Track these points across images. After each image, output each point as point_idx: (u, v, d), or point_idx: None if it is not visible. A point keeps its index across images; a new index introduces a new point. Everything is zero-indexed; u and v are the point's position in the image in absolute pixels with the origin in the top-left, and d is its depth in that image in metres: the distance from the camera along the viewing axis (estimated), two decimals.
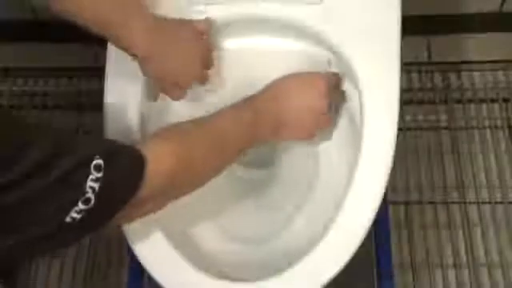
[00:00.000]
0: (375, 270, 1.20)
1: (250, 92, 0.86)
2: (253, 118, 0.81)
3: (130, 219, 0.74)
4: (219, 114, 0.80)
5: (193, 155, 0.73)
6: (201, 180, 0.77)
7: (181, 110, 0.93)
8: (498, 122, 1.42)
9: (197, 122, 0.78)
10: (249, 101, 0.83)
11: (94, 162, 0.60)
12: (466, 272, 1.27)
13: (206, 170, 0.77)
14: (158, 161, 0.69)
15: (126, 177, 0.65)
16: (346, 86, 0.89)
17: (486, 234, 1.30)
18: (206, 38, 0.87)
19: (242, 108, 0.81)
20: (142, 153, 0.67)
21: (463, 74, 1.47)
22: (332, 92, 0.86)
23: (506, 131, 1.41)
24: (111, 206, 0.65)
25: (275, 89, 0.85)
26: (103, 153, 0.62)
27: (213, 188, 0.92)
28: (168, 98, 0.89)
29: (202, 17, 0.88)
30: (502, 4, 1.40)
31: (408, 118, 1.42)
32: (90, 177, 0.60)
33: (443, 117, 1.42)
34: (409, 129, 1.41)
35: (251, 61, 0.94)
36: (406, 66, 1.43)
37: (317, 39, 0.89)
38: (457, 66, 1.47)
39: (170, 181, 0.70)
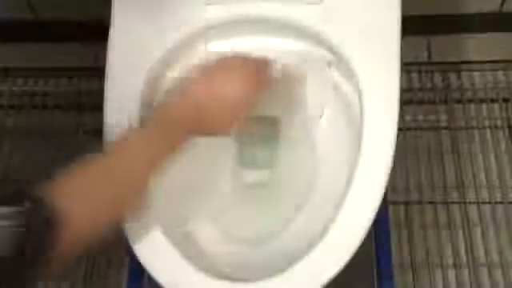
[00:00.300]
0: (375, 270, 1.20)
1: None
2: (160, 134, 0.75)
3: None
4: (125, 150, 0.74)
5: (98, 212, 0.69)
6: (111, 220, 0.72)
7: None
8: (498, 122, 1.42)
9: (100, 171, 0.72)
10: (154, 118, 0.78)
11: None
12: (465, 272, 1.27)
13: (118, 212, 0.73)
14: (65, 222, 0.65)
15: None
16: (346, 85, 0.89)
17: (486, 233, 1.30)
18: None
19: (146, 132, 0.76)
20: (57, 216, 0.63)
21: (463, 73, 1.47)
22: (253, 75, 0.79)
23: (506, 131, 1.41)
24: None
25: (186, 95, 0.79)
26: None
27: (213, 188, 0.92)
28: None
29: (202, 16, 0.88)
30: (502, 4, 1.40)
31: (408, 117, 1.42)
32: None
33: (443, 117, 1.42)
34: (409, 129, 1.41)
35: None
36: (406, 66, 1.43)
37: (317, 39, 0.89)
38: (457, 66, 1.47)
39: (79, 237, 0.66)
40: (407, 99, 1.43)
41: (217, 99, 0.77)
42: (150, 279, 0.78)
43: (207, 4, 0.89)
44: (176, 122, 0.76)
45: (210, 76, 0.78)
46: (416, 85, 1.46)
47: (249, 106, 0.80)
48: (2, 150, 1.45)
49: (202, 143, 0.94)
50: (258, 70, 0.81)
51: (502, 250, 1.29)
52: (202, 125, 0.78)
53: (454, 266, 1.28)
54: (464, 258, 1.29)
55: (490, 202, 1.33)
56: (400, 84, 0.83)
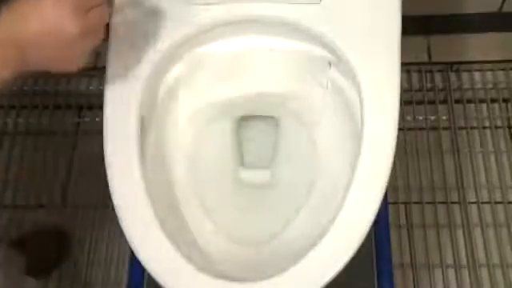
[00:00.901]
0: (375, 270, 1.20)
1: (250, 92, 0.86)
2: None
3: None
4: None
5: None
6: None
7: (182, 109, 0.93)
8: (498, 122, 1.42)
9: None
10: None
11: None
12: (465, 272, 1.27)
13: None
14: None
15: None
16: (346, 85, 0.89)
17: (485, 234, 1.30)
18: None
19: None
20: None
21: (463, 74, 1.47)
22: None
23: (506, 131, 1.41)
24: None
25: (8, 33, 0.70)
26: None
27: (213, 188, 0.92)
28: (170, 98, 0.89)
29: (202, 16, 0.88)
30: (502, 4, 1.40)
31: (408, 118, 1.42)
32: None
33: (443, 117, 1.43)
34: (409, 129, 1.41)
35: (251, 61, 0.94)
36: (406, 66, 1.43)
37: (316, 39, 0.89)
38: (457, 66, 1.47)
39: None
40: (407, 99, 1.43)
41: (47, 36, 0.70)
42: (150, 279, 0.78)
43: (207, 4, 0.89)
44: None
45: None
46: (416, 85, 1.46)
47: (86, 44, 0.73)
48: (2, 149, 1.45)
49: (202, 143, 0.94)
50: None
51: (501, 250, 1.29)
52: (37, 61, 0.72)
53: (454, 266, 1.28)
54: (464, 258, 1.29)
55: (489, 202, 1.33)
56: (400, 84, 0.83)
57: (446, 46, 1.47)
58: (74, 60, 0.75)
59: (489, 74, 1.46)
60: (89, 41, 0.74)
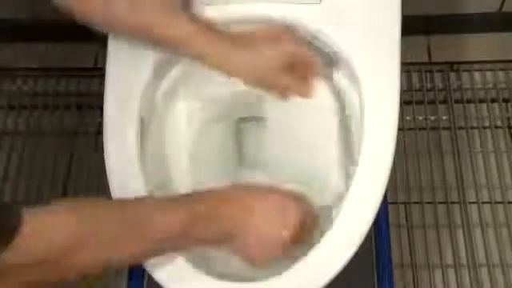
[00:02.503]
0: (375, 270, 1.20)
1: (250, 92, 0.85)
2: (191, 216, 0.70)
3: None
4: (147, 200, 0.74)
5: (93, 238, 0.64)
6: (98, 269, 0.67)
7: (180, 110, 0.93)
8: (498, 122, 1.42)
9: (120, 205, 0.70)
10: (201, 196, 0.73)
11: None
12: (465, 272, 1.27)
13: (110, 260, 0.67)
14: (46, 228, 0.61)
15: None
16: (346, 85, 0.89)
17: (485, 233, 1.30)
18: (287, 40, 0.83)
19: (181, 201, 0.72)
20: (21, 213, 0.59)
21: (463, 74, 1.47)
22: (300, 228, 0.74)
23: (506, 131, 1.41)
24: None
25: (246, 198, 0.75)
26: None
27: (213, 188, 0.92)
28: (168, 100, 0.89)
29: (202, 16, 0.88)
30: (502, 4, 1.40)
31: (408, 117, 1.42)
32: None
33: (443, 117, 1.43)
34: (409, 129, 1.41)
35: None
36: (406, 66, 1.43)
37: (316, 39, 0.89)
38: (457, 66, 1.47)
39: (54, 256, 0.61)
40: (407, 99, 1.43)
41: (258, 236, 0.74)
42: (151, 279, 0.78)
43: (207, 4, 0.89)
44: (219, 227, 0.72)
45: (264, 210, 0.74)
46: (416, 85, 1.46)
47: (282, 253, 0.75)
48: (2, 150, 1.45)
49: (202, 143, 0.94)
50: (310, 223, 0.77)
51: (502, 250, 1.29)
52: (234, 244, 0.74)
53: (454, 265, 1.28)
54: (464, 258, 1.29)
55: (490, 202, 1.33)
56: (400, 84, 0.83)
57: (446, 46, 1.47)
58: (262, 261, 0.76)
59: (489, 74, 1.46)
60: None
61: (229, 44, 0.81)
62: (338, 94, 0.88)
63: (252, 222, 0.73)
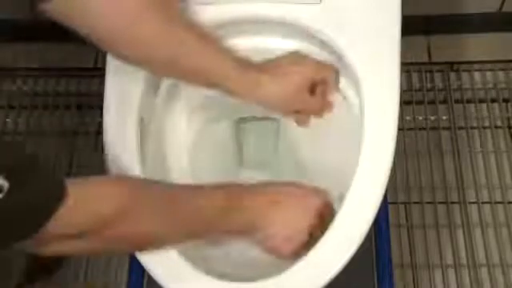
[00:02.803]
0: (375, 270, 1.20)
1: None
2: (227, 207, 0.72)
3: (39, 250, 0.62)
4: (193, 187, 0.76)
5: (140, 211, 0.65)
6: (138, 244, 0.69)
7: (180, 110, 0.93)
8: (498, 122, 1.42)
9: (164, 184, 0.73)
10: (239, 189, 0.76)
11: None
12: (465, 272, 1.27)
13: (150, 235, 0.68)
14: (92, 199, 0.61)
15: (32, 208, 0.56)
16: (346, 85, 0.89)
17: (485, 233, 1.30)
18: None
19: (222, 191, 0.74)
20: (64, 184, 0.58)
21: (463, 74, 1.47)
22: (321, 220, 0.78)
23: (506, 131, 1.41)
24: (5, 236, 0.57)
25: (271, 192, 0.78)
26: (11, 171, 0.53)
27: None
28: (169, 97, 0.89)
29: (202, 16, 0.88)
30: (501, 4, 1.40)
31: (408, 117, 1.42)
32: None
33: (443, 117, 1.43)
34: (409, 129, 1.41)
35: None
36: (406, 66, 1.43)
37: (316, 39, 0.89)
38: (457, 66, 1.47)
39: (97, 227, 0.62)
40: (407, 99, 1.43)
41: (284, 228, 0.77)
42: (151, 279, 0.78)
43: (207, 4, 0.89)
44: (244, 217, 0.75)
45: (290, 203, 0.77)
46: (416, 85, 1.46)
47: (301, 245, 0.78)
48: None
49: (202, 144, 0.94)
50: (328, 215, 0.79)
51: (502, 249, 1.29)
52: (256, 235, 0.77)
53: (454, 265, 1.28)
54: (464, 258, 1.29)
55: (490, 202, 1.33)
56: (400, 84, 0.83)
57: (446, 46, 1.47)
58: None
59: (489, 74, 1.46)
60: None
61: (255, 72, 0.80)
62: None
63: (277, 215, 0.75)
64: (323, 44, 0.88)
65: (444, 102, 1.44)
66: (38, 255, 0.63)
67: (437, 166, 1.37)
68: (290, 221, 0.76)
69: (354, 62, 0.85)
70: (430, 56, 1.48)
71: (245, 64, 0.80)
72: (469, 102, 1.44)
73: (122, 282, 1.29)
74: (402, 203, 1.34)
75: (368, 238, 0.78)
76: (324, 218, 0.77)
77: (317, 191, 0.79)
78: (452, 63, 1.47)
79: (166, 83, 0.91)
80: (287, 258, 0.77)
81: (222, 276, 0.77)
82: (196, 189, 0.74)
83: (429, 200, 1.34)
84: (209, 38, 0.78)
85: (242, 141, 0.98)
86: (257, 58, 0.94)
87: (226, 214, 0.72)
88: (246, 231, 0.76)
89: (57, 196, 0.58)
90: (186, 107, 0.93)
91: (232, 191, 0.74)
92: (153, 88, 0.89)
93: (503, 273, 1.26)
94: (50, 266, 1.31)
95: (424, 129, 1.42)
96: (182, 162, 0.91)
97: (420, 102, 1.44)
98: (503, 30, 1.46)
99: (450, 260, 1.29)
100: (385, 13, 0.87)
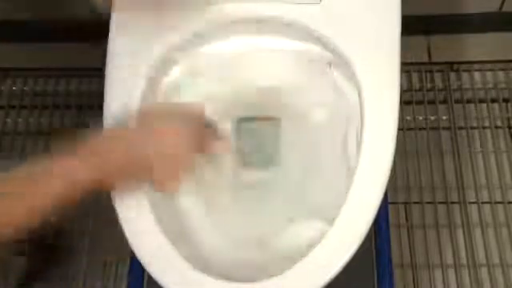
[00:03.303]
0: (375, 270, 1.20)
1: (250, 92, 0.86)
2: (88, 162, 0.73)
3: None
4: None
5: None
6: None
7: None
8: (498, 122, 1.42)
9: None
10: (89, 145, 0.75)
11: None
12: (465, 272, 1.27)
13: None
14: None
15: None
16: (346, 85, 0.89)
17: (485, 233, 1.30)
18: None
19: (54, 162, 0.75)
20: None
21: (463, 74, 1.47)
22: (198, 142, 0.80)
23: (506, 131, 1.41)
24: None
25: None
26: None
27: (213, 188, 0.92)
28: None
29: (202, 16, 0.88)
30: (501, 4, 1.40)
31: (408, 117, 1.42)
32: None
33: (443, 117, 1.43)
34: (409, 129, 1.41)
35: (251, 61, 0.94)
36: (406, 66, 1.43)
37: (316, 39, 0.89)
38: (457, 66, 1.47)
39: None
40: (407, 99, 1.43)
41: (155, 148, 0.77)
42: (151, 279, 0.78)
43: (207, 4, 0.89)
44: (107, 158, 0.76)
45: (149, 126, 0.78)
46: (416, 85, 1.46)
47: (187, 164, 0.80)
48: (2, 150, 1.45)
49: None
50: (199, 128, 0.81)
51: (502, 249, 1.29)
52: (138, 171, 0.78)
53: (454, 265, 1.28)
54: (464, 258, 1.29)
55: (490, 202, 1.33)
56: (400, 84, 0.83)
57: (446, 46, 1.47)
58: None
59: (489, 74, 1.46)
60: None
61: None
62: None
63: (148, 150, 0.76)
64: (323, 44, 0.88)
65: (444, 101, 1.44)
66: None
67: (437, 166, 1.37)
68: (160, 150, 0.77)
69: (353, 62, 0.85)
70: (430, 56, 1.48)
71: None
72: (469, 101, 1.44)
73: (122, 283, 1.29)
74: (402, 203, 1.34)
75: (368, 238, 0.78)
76: (204, 137, 0.80)
77: (183, 119, 0.79)
78: (452, 63, 1.47)
79: (166, 83, 0.91)
80: (171, 188, 0.80)
81: (222, 276, 0.77)
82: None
83: (429, 200, 1.34)
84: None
85: (241, 141, 0.98)
86: (257, 58, 0.94)
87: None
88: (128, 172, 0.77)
89: None
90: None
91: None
92: (153, 88, 0.89)
93: (503, 273, 1.27)
94: (49, 264, 1.32)
95: (424, 129, 1.42)
96: None
97: (420, 102, 1.44)
98: (503, 30, 1.46)
99: (450, 260, 1.29)
100: (385, 13, 0.87)
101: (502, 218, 1.32)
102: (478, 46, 1.47)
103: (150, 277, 0.78)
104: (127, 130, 0.79)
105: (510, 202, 1.34)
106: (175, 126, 0.79)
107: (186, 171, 0.80)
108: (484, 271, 1.27)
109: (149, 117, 0.80)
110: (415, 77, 1.47)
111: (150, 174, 0.78)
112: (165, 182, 0.79)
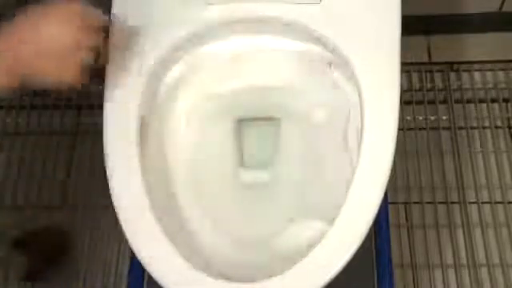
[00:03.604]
0: (375, 270, 1.20)
1: (250, 92, 0.86)
2: None
3: None
4: None
5: None
6: None
7: (182, 109, 0.93)
8: (498, 122, 1.42)
9: None
10: None
11: None
12: (465, 272, 1.27)
13: None
14: None
15: None
16: (346, 85, 0.89)
17: (485, 233, 1.30)
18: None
19: None
20: None
21: (463, 74, 1.47)
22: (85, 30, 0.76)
23: (506, 131, 1.41)
24: None
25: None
26: None
27: (213, 188, 0.92)
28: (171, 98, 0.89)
29: (202, 16, 0.88)
30: (501, 4, 1.41)
31: (408, 117, 1.42)
32: None
33: (443, 117, 1.43)
34: (409, 129, 1.41)
35: (251, 61, 0.94)
36: (406, 66, 1.43)
37: (316, 39, 0.89)
38: (457, 66, 1.47)
39: None
40: (407, 99, 1.43)
41: (36, 42, 0.75)
42: (151, 279, 0.78)
43: (207, 4, 0.89)
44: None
45: (34, 20, 0.76)
46: (416, 85, 1.46)
47: (76, 53, 0.77)
48: (2, 149, 1.45)
49: (202, 143, 0.94)
50: (82, 16, 0.77)
51: (502, 249, 1.29)
52: (27, 66, 0.75)
53: (454, 265, 1.28)
54: (464, 258, 1.29)
55: (490, 202, 1.33)
56: (400, 84, 0.83)
57: (446, 46, 1.47)
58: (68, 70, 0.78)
59: (489, 74, 1.46)
60: (81, 54, 0.77)
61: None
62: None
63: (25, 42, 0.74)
64: (323, 44, 0.88)
65: (444, 102, 1.44)
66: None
67: (437, 166, 1.37)
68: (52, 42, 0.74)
69: (353, 62, 0.85)
70: (430, 56, 1.48)
71: None
72: (469, 101, 1.44)
73: (122, 283, 1.29)
74: (402, 203, 1.34)
75: (368, 237, 0.78)
76: (93, 28, 0.76)
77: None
78: (452, 63, 1.47)
79: (166, 83, 0.91)
80: (76, 82, 0.78)
81: (222, 276, 0.77)
82: None
83: (429, 200, 1.34)
84: None
85: (242, 141, 0.98)
86: (257, 58, 0.94)
87: None
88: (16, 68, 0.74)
89: None
90: (186, 107, 0.93)
91: None
92: (153, 88, 0.89)
93: (503, 273, 1.27)
94: (49, 264, 1.31)
95: (424, 129, 1.42)
96: (181, 162, 0.91)
97: (420, 102, 1.44)
98: (503, 30, 1.46)
99: (450, 260, 1.29)
100: (385, 13, 0.87)
101: (501, 217, 1.32)
102: (478, 45, 1.47)
103: (150, 277, 0.78)
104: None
105: (510, 202, 1.34)
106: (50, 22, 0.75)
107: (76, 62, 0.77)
108: (484, 271, 1.27)
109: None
110: (415, 77, 1.47)
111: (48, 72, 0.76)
112: (60, 76, 0.77)
